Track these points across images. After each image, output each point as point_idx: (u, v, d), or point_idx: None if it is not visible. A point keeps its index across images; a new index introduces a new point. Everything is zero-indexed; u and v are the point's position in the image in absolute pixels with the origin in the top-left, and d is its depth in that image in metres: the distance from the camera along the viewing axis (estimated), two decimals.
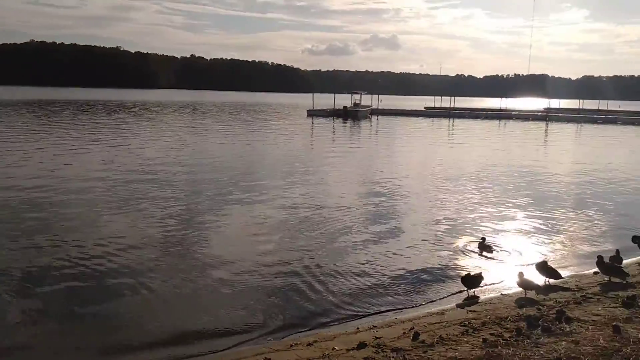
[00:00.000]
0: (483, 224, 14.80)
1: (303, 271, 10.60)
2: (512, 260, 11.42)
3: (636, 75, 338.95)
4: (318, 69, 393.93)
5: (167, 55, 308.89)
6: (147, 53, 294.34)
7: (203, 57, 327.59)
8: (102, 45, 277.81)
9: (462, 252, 12.14)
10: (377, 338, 7.07)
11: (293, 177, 22.02)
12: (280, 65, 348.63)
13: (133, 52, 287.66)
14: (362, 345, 6.74)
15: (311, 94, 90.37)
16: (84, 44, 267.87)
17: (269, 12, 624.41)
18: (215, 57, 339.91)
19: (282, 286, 9.78)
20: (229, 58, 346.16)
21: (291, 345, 7.27)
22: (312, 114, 75.77)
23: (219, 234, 13.30)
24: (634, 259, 11.32)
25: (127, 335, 7.78)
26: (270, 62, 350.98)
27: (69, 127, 43.39)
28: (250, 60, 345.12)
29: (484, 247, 12.01)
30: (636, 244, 11.47)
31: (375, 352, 6.43)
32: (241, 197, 17.60)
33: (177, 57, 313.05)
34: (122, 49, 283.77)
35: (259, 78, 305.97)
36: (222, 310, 8.74)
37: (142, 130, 43.56)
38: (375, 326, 7.88)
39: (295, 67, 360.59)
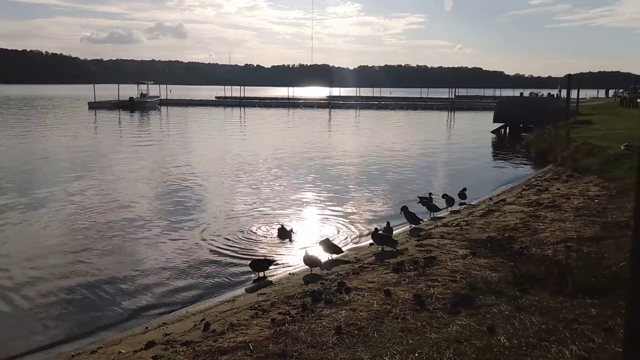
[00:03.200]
0: (277, 210, 15.31)
1: (88, 277, 9.84)
2: (301, 241, 11.99)
3: (402, 64, 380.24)
4: (100, 58, 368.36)
5: None
6: None
7: None
8: None
9: (255, 238, 12.40)
10: (166, 335, 6.86)
11: (78, 176, 20.24)
12: (56, 54, 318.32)
13: None
14: (150, 344, 6.48)
15: (92, 85, 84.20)
16: None
17: None
18: None
19: (64, 296, 8.97)
20: None
21: (73, 356, 6.72)
22: (95, 106, 70.65)
23: None
24: (402, 229, 12.72)
25: None
26: (44, 52, 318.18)
27: None
28: (20, 50, 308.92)
29: (284, 232, 12.26)
30: (401, 213, 12.86)
31: (165, 349, 6.23)
32: (16, 203, 15.72)
33: None
34: None
35: (32, 69, 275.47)
36: None
37: None
38: (165, 323, 7.65)
39: (73, 56, 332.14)
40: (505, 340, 5.29)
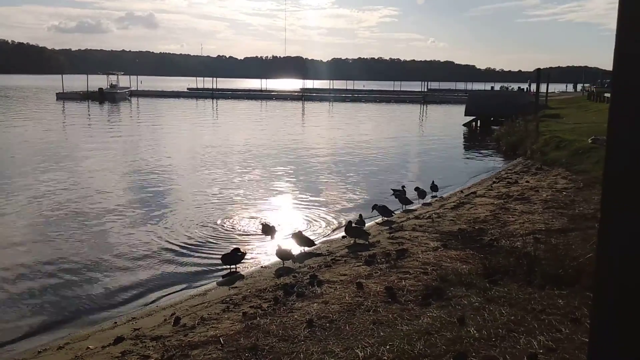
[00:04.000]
0: (249, 202, 15.23)
1: (56, 270, 9.64)
2: (275, 234, 11.90)
3: (376, 57, 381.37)
4: (68, 48, 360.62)
5: None
6: None
7: None
8: None
9: (227, 230, 12.31)
10: (136, 329, 6.76)
11: (46, 169, 19.68)
12: (22, 43, 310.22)
13: None
14: (119, 340, 6.37)
15: (60, 76, 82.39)
16: None
17: None
18: None
19: (29, 290, 8.77)
20: None
21: (39, 352, 6.56)
22: (63, 97, 69.16)
23: None
24: (374, 221, 12.76)
25: None
26: (10, 41, 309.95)
27: None
28: None
29: (267, 228, 11.62)
30: (375, 211, 12.92)
31: (134, 344, 6.13)
32: None
33: None
34: None
35: None
36: None
37: None
38: (134, 318, 7.53)
39: (40, 46, 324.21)
40: (475, 331, 5.34)
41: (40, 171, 19.25)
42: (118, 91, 75.21)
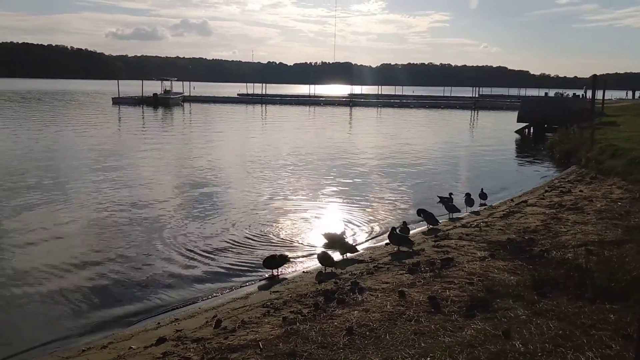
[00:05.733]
0: (294, 207, 15.24)
1: (104, 270, 9.90)
2: (316, 239, 11.86)
3: (426, 63, 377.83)
4: (125, 54, 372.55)
5: None
6: None
7: None
8: None
9: (270, 235, 12.35)
10: (178, 331, 6.84)
11: (103, 172, 20.26)
12: (81, 50, 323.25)
13: None
14: (161, 340, 6.46)
15: (116, 81, 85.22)
16: None
17: None
18: (3, 41, 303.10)
19: (79, 289, 9.00)
20: (20, 42, 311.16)
21: (83, 350, 6.72)
22: (119, 102, 71.49)
23: (16, 240, 11.65)
24: (419, 229, 12.55)
25: None
26: (69, 47, 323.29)
27: None
28: (46, 45, 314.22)
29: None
30: (420, 216, 12.72)
31: (175, 346, 6.20)
32: (41, 194, 15.98)
33: None
34: None
35: (57, 64, 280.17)
36: (5, 319, 7.86)
37: None
38: (177, 319, 7.62)
39: (99, 52, 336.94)
40: (520, 345, 5.14)
41: (97, 172, 19.89)
42: (171, 97, 77.11)
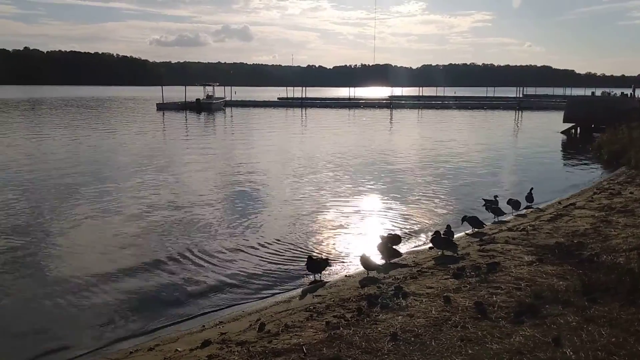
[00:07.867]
0: (337, 211, 15.22)
1: (150, 273, 10.13)
2: (359, 243, 11.83)
3: (468, 63, 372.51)
4: (168, 60, 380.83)
5: None
6: None
7: (39, 50, 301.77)
8: None
9: (313, 239, 12.38)
10: (222, 334, 6.92)
11: (149, 175, 20.84)
12: (126, 57, 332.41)
13: None
14: (206, 343, 6.56)
15: (160, 87, 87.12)
16: None
17: (111, 1, 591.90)
18: (52, 50, 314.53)
19: (127, 292, 9.22)
20: (68, 50, 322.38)
21: (131, 352, 6.89)
22: (163, 107, 72.95)
23: (66, 242, 12.07)
24: (464, 233, 12.33)
25: None
26: (115, 54, 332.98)
27: None
28: (93, 52, 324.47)
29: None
30: (463, 223, 12.48)
31: (220, 349, 6.28)
32: (90, 198, 16.52)
33: (8, 50, 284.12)
34: None
35: (104, 71, 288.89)
36: (58, 324, 8.06)
37: None
38: (221, 322, 7.72)
39: (143, 58, 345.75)
40: (571, 353, 5.00)
41: (143, 176, 20.38)
42: (214, 101, 78.27)
